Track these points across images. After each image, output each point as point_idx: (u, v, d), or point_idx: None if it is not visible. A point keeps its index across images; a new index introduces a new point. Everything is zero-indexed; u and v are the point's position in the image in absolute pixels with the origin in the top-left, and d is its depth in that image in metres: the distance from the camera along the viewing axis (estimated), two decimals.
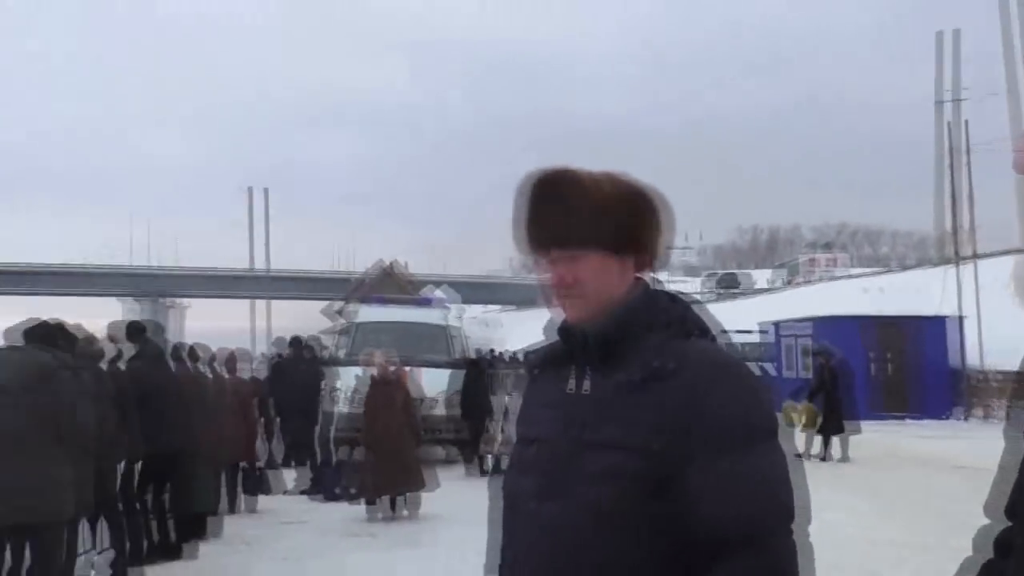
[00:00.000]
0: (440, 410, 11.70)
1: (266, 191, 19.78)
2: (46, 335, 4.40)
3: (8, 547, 4.24)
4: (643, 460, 1.27)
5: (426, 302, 14.72)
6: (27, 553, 4.32)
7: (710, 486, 1.26)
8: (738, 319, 18.94)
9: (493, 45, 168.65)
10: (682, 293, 1.50)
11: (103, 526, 5.66)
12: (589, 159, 1.45)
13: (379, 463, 7.82)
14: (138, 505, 6.32)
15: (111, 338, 6.24)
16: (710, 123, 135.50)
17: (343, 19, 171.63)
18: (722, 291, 62.16)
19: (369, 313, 13.18)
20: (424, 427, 9.70)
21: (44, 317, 4.64)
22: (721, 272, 74.09)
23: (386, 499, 8.03)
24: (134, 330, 6.42)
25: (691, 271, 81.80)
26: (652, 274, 1.47)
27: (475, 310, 40.23)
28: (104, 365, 5.62)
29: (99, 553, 5.69)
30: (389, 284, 25.47)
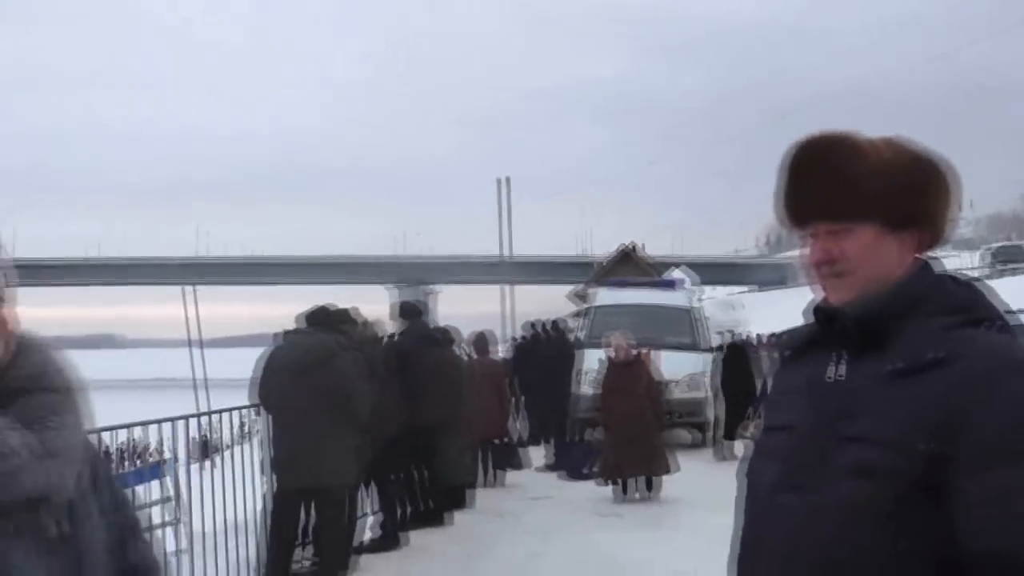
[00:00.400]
0: (684, 394, 11.57)
1: (507, 180, 20.74)
2: (326, 319, 4.95)
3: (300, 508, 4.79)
4: (902, 458, 1.13)
5: (669, 284, 14.52)
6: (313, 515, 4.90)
7: (979, 498, 1.10)
8: (1021, 297, 16.75)
9: (731, 15, 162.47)
10: (962, 272, 1.32)
11: (373, 492, 6.26)
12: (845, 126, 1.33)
13: (618, 445, 7.85)
14: (403, 475, 6.95)
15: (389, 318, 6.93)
16: (982, 78, 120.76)
17: (576, 9, 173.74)
18: (1001, 266, 55.17)
19: (607, 296, 13.31)
20: (667, 411, 9.67)
21: (323, 304, 5.19)
22: (1000, 244, 65.75)
23: (622, 481, 8.00)
24: (408, 309, 7.03)
25: (964, 244, 73.45)
26: (931, 253, 1.28)
27: (715, 292, 39.06)
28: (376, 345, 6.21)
29: (372, 515, 6.30)
30: (629, 267, 25.48)
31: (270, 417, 4.87)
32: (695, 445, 11.73)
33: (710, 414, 12.01)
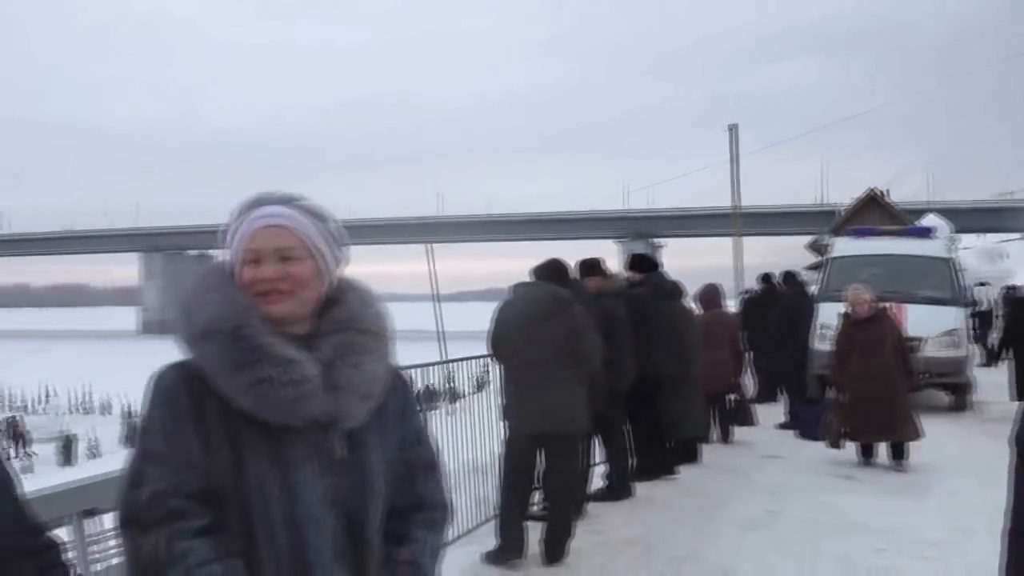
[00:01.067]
0: (940, 352, 10.56)
1: (735, 127, 19.65)
2: (558, 272, 5.06)
3: (535, 454, 4.97)
4: None
5: (923, 231, 13.17)
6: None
7: None
8: None
9: None
10: None
11: (603, 442, 6.37)
12: None
13: (854, 409, 7.20)
14: (635, 426, 7.01)
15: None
16: None
17: None
18: None
19: (848, 246, 12.33)
20: (919, 370, 8.91)
21: (554, 257, 5.30)
22: None
23: (864, 445, 7.41)
24: (643, 261, 7.04)
25: None
26: None
27: (969, 240, 34.89)
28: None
29: (602, 465, 6.44)
30: (875, 213, 23.54)
31: (502, 366, 5.08)
32: (951, 408, 10.73)
33: (970, 374, 10.92)
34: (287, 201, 1.58)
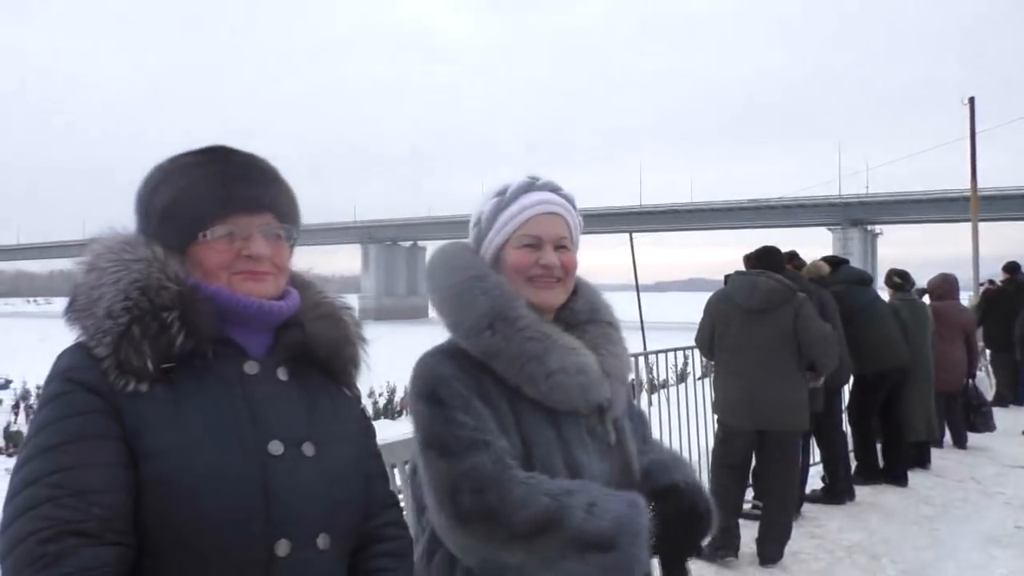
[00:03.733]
0: None
1: (972, 100, 17.66)
2: (774, 259, 4.79)
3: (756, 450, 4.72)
4: None
5: None
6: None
7: None
8: None
9: None
10: None
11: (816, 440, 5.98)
12: None
13: None
14: (858, 426, 6.55)
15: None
16: None
17: None
18: None
19: None
20: None
21: (770, 245, 5.03)
22: None
23: None
24: (832, 261, 6.55)
25: None
26: None
27: None
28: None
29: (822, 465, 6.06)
30: None
31: (718, 358, 4.83)
32: None
33: None
34: (555, 189, 1.60)
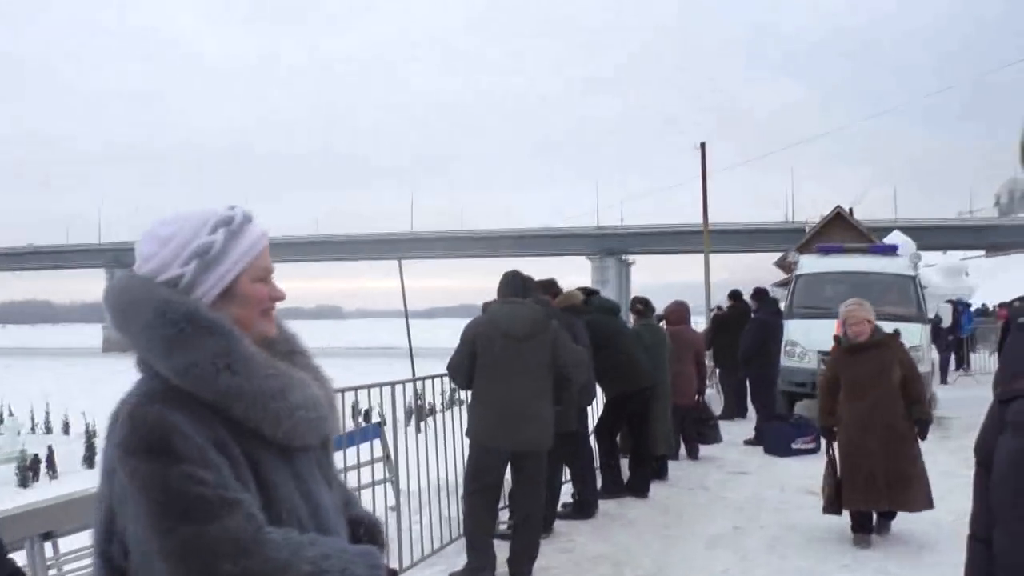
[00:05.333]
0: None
1: (702, 145, 20.04)
2: (525, 286, 5.02)
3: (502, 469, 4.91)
4: None
5: (889, 249, 13.36)
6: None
7: None
8: None
9: None
10: None
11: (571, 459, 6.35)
12: None
13: (848, 464, 5.47)
14: (602, 443, 7.02)
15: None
16: None
17: None
18: None
19: (815, 263, 12.48)
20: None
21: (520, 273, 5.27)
22: None
23: (853, 514, 5.60)
24: (586, 291, 7.06)
25: None
26: None
27: (933, 257, 35.59)
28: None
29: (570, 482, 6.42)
30: (842, 231, 23.93)
31: (475, 382, 4.93)
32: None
33: (932, 391, 11.11)
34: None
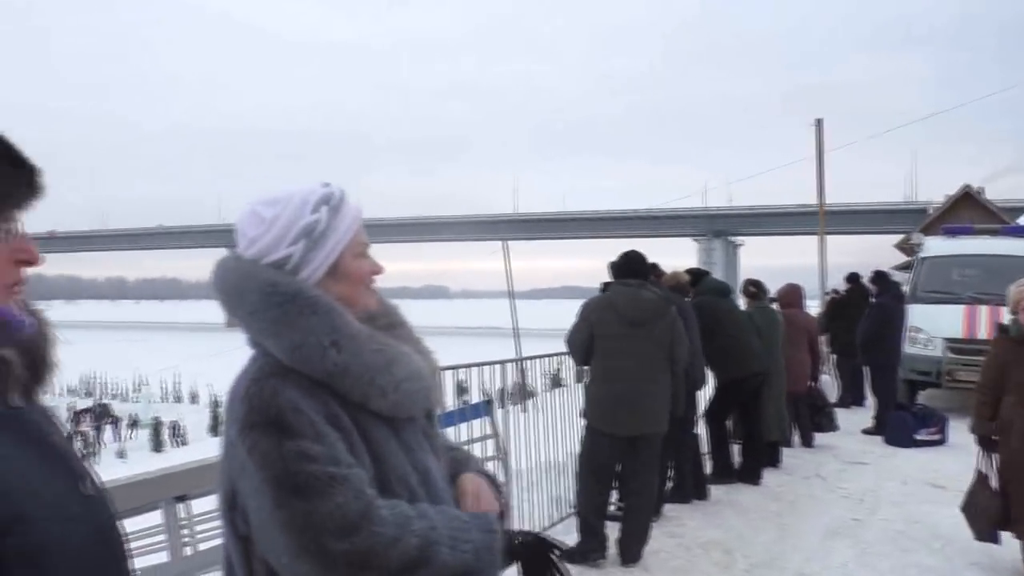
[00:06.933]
0: None
1: (819, 122, 19.04)
2: (639, 268, 4.95)
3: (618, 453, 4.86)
4: None
5: (1022, 231, 12.48)
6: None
7: None
8: None
9: None
10: None
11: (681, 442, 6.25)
12: None
13: (1016, 480, 4.43)
14: (712, 429, 6.88)
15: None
16: None
17: None
18: None
19: (939, 246, 11.78)
20: None
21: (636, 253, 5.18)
22: None
23: None
24: (695, 273, 6.89)
25: None
26: None
27: None
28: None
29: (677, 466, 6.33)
30: (970, 211, 22.52)
31: (593, 365, 4.86)
32: None
33: None
34: None
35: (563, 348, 5.19)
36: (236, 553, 1.43)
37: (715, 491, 6.32)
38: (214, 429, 27.29)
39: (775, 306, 8.12)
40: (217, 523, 1.66)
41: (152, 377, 40.95)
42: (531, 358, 6.51)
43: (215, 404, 29.35)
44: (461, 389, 5.37)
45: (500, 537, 1.45)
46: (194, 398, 38.47)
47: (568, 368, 6.08)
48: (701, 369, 6.02)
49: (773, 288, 8.48)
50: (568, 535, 4.88)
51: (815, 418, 8.48)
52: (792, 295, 8.58)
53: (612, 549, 4.77)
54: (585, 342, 4.78)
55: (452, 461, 1.66)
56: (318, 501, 1.29)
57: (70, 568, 0.98)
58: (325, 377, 1.39)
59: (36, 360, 1.09)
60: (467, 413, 5.02)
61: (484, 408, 5.12)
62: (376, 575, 1.31)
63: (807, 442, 8.41)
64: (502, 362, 5.66)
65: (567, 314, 5.36)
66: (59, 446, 1.08)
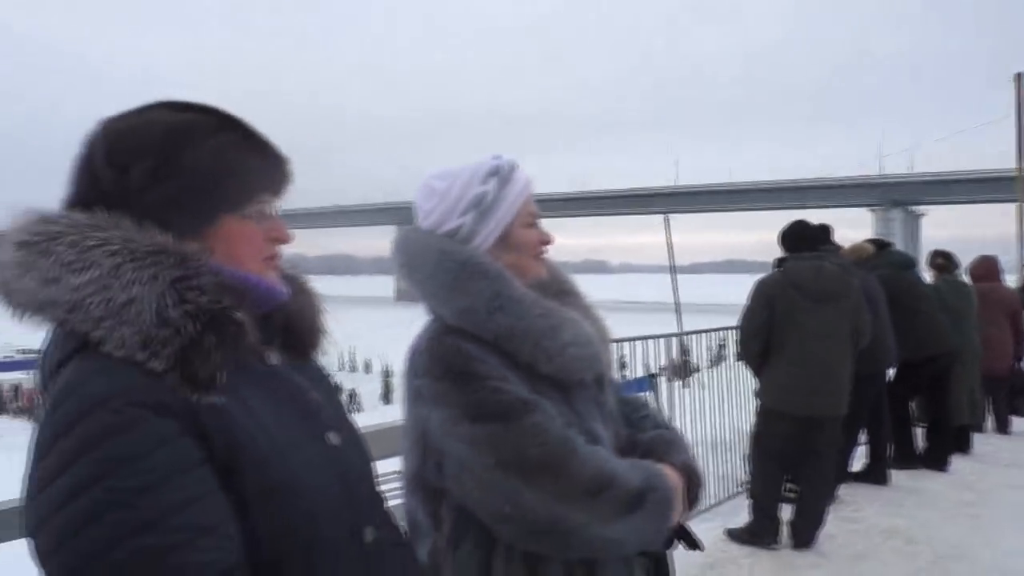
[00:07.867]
0: None
1: (1019, 76, 17.03)
2: (811, 237, 4.68)
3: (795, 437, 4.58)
4: None
5: None
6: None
7: None
8: None
9: None
10: None
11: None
12: None
13: None
14: (897, 410, 6.44)
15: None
16: None
17: None
18: None
19: None
20: None
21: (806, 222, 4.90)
22: None
23: None
24: (877, 244, 6.42)
25: None
26: None
27: None
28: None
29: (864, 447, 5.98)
30: None
31: (773, 343, 4.53)
32: None
33: None
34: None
35: (726, 323, 5.00)
36: (423, 507, 1.50)
37: (896, 477, 5.92)
38: (386, 397, 28.84)
39: (967, 279, 7.46)
40: (395, 485, 1.73)
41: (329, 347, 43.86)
42: (693, 332, 6.35)
43: (387, 374, 30.95)
44: (622, 364, 5.32)
45: (665, 477, 1.52)
46: (367, 367, 40.75)
47: (732, 343, 5.88)
48: (892, 347, 5.63)
49: (964, 261, 7.79)
50: (737, 515, 4.74)
51: (1014, 401, 7.74)
52: (987, 267, 7.83)
53: (784, 531, 4.58)
54: (762, 329, 4.47)
55: (659, 439, 1.65)
56: (515, 420, 1.38)
57: (308, 506, 1.06)
58: (492, 339, 1.45)
59: (296, 323, 1.24)
60: (629, 387, 4.97)
61: (646, 383, 5.04)
62: (573, 488, 1.36)
63: (1003, 428, 7.70)
64: (664, 336, 5.55)
65: (730, 288, 5.17)
66: (313, 401, 1.16)
